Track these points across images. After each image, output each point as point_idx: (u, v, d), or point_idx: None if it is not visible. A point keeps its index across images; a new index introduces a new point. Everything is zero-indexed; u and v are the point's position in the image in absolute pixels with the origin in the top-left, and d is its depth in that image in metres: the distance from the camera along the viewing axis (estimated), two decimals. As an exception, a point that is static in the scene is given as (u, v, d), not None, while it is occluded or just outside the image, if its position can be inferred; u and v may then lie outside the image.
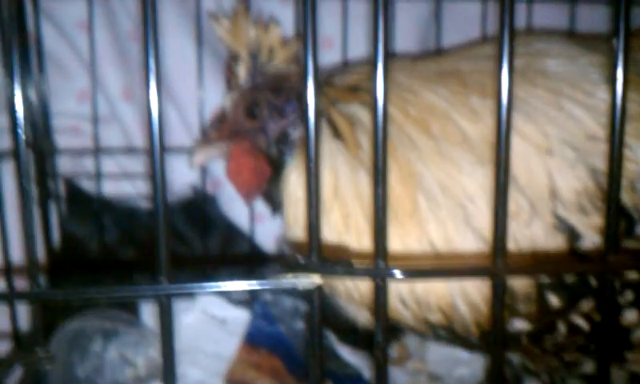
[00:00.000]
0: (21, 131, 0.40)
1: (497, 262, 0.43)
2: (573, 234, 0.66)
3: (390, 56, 0.41)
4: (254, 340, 0.95)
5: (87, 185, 1.15)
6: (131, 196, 1.17)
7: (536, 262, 0.65)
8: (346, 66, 1.08)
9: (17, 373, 0.83)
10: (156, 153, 0.40)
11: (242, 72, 0.79)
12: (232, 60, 0.80)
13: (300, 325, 0.98)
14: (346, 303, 0.76)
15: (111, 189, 1.16)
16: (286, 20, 1.13)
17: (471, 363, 0.95)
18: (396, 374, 0.94)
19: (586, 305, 0.67)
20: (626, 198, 0.66)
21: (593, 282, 0.66)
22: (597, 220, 0.65)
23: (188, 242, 1.15)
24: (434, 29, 1.16)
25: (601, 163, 0.66)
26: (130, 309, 0.98)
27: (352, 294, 0.73)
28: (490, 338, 0.43)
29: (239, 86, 0.80)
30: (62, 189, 1.14)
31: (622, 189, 0.44)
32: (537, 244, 0.66)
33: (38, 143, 1.09)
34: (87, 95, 1.14)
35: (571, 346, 0.70)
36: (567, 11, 1.16)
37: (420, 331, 0.73)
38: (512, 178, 0.65)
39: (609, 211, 0.45)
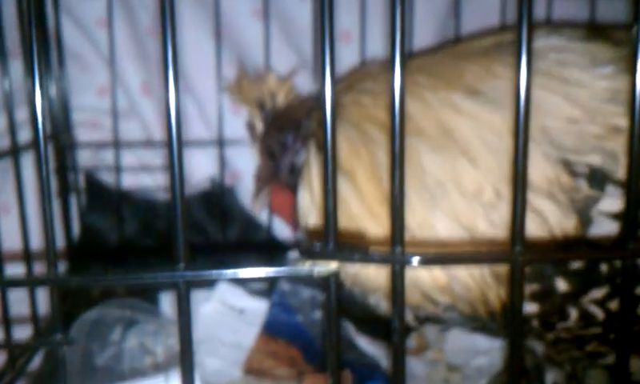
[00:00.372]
0: (40, 124, 0.41)
1: (515, 249, 0.42)
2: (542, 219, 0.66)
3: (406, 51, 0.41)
4: (272, 330, 0.95)
5: (107, 177, 1.17)
6: (150, 189, 1.18)
7: (553, 249, 0.65)
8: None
9: (36, 361, 0.85)
10: (174, 146, 0.41)
11: (258, 123, 0.92)
12: (250, 116, 0.93)
13: (318, 315, 0.98)
14: (364, 292, 0.76)
15: (130, 182, 1.18)
16: (303, 17, 1.14)
17: (490, 353, 0.95)
18: (414, 364, 0.94)
19: (598, 292, 0.66)
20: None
21: (604, 269, 0.65)
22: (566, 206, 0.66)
23: (207, 233, 1.17)
24: (452, 19, 1.15)
25: (574, 152, 0.66)
26: (150, 299, 0.99)
27: (366, 281, 0.74)
28: (507, 324, 0.42)
29: (258, 136, 0.93)
30: (81, 182, 1.16)
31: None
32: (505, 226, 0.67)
33: (58, 137, 1.10)
34: (107, 90, 1.16)
35: (589, 335, 0.70)
36: (587, 1, 1.15)
37: (433, 314, 0.73)
38: (472, 159, 0.69)
39: (628, 198, 0.44)
